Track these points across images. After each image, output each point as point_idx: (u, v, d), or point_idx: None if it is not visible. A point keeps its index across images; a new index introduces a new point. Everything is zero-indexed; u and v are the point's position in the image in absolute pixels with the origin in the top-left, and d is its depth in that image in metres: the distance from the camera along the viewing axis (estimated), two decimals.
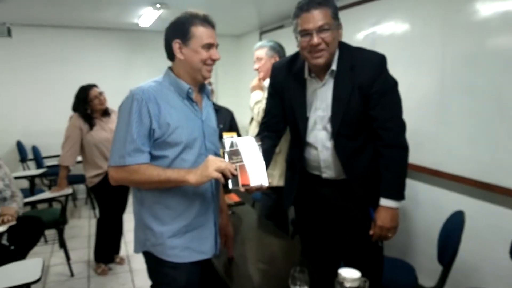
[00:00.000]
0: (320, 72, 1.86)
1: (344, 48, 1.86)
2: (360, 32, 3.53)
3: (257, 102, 2.89)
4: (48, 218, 3.48)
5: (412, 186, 3.08)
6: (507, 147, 2.34)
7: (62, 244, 3.59)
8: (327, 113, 1.86)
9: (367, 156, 1.90)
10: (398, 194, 1.83)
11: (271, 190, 2.91)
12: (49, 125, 5.42)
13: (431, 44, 2.80)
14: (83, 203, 5.80)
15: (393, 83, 1.84)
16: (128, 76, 5.86)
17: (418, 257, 3.01)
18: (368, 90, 1.78)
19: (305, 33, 1.74)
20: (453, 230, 2.11)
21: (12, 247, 2.79)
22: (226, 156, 1.68)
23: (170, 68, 1.69)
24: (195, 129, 1.66)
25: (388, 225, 1.82)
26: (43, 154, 5.39)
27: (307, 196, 2.07)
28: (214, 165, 1.51)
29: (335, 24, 1.75)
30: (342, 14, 3.64)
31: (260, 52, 2.92)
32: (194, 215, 1.67)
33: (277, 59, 2.87)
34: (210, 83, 3.31)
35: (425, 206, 2.99)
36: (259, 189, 1.69)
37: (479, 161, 2.50)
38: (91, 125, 3.46)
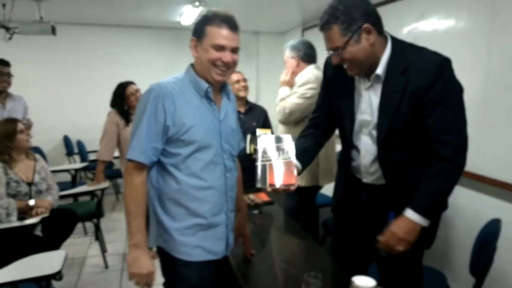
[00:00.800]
0: (366, 73, 1.68)
1: (398, 48, 1.62)
2: (401, 28, 3.35)
3: (281, 99, 2.84)
4: (85, 211, 3.59)
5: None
6: None
7: (98, 237, 3.68)
8: (372, 118, 1.68)
9: (417, 171, 1.66)
10: (428, 211, 1.57)
11: (294, 190, 2.84)
12: (94, 120, 5.56)
13: (477, 40, 2.60)
14: None
15: (456, 90, 1.57)
16: (171, 73, 5.87)
17: (456, 266, 2.81)
18: (423, 96, 1.54)
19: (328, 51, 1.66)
20: (487, 239, 1.94)
21: (46, 239, 2.89)
22: (258, 153, 1.68)
23: (192, 65, 1.68)
24: (212, 128, 1.64)
25: (401, 235, 1.56)
26: (88, 149, 5.57)
27: (347, 198, 1.95)
28: (137, 273, 1.53)
29: (349, 39, 1.54)
30: (382, 10, 3.53)
31: (285, 55, 2.97)
32: (207, 215, 1.64)
33: (296, 58, 2.88)
34: (244, 80, 3.30)
35: (465, 212, 2.79)
36: (287, 190, 1.68)
37: None
38: (128, 121, 3.53)
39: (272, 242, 2.23)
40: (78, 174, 5.46)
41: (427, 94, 1.53)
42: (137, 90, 3.60)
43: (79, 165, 5.01)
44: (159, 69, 5.92)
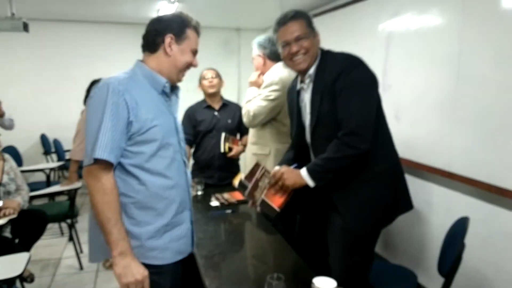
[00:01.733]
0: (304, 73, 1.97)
1: (325, 55, 1.94)
2: (376, 26, 3.35)
3: (248, 101, 2.77)
4: (58, 212, 3.53)
5: (426, 187, 2.90)
6: None
7: (71, 238, 3.62)
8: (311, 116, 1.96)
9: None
10: (314, 173, 1.83)
11: None
12: (71, 119, 5.43)
13: (448, 37, 2.60)
14: None
15: (358, 83, 1.77)
16: None
17: (428, 264, 2.82)
18: (332, 88, 1.80)
19: (285, 43, 1.91)
20: (454, 239, 1.94)
21: (16, 240, 2.83)
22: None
23: (142, 61, 1.63)
24: (170, 125, 1.62)
25: (286, 178, 1.88)
26: (65, 147, 5.49)
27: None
28: (133, 281, 1.44)
29: (310, 32, 1.90)
30: (356, 8, 3.54)
31: (253, 52, 2.88)
32: (173, 214, 1.59)
33: (263, 56, 2.82)
34: (214, 76, 3.24)
35: (438, 210, 2.80)
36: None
37: (493, 164, 2.29)
38: None
39: (241, 241, 2.20)
40: (55, 174, 5.40)
41: (334, 87, 1.79)
42: None
43: (53, 164, 4.93)
44: None
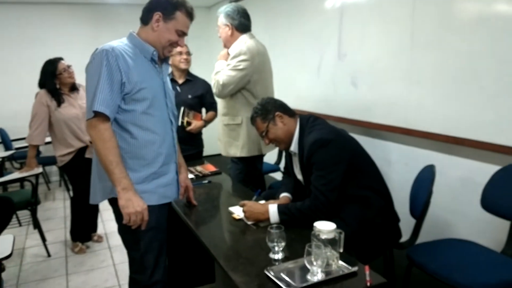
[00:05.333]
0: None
1: (302, 128, 2.16)
2: None
3: (216, 73, 2.83)
4: (19, 199, 3.39)
5: (385, 146, 3.12)
6: (475, 100, 2.37)
7: (36, 225, 3.51)
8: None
9: None
10: (284, 216, 1.94)
11: (237, 159, 2.95)
12: (16, 107, 5.25)
13: (401, 2, 2.79)
14: (57, 185, 5.69)
15: (325, 163, 1.99)
16: None
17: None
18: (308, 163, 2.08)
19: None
20: (423, 183, 2.15)
21: None
22: None
23: (134, 33, 1.84)
24: (158, 88, 1.85)
25: (255, 212, 1.98)
26: (12, 137, 5.22)
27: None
28: (133, 212, 1.66)
29: (268, 124, 2.15)
30: None
31: (219, 20, 2.88)
32: (160, 165, 1.83)
33: (231, 27, 2.83)
34: (188, 53, 3.27)
35: (398, 166, 3.03)
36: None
37: (448, 116, 2.53)
38: (59, 102, 3.35)
39: (229, 205, 2.26)
40: (5, 164, 5.13)
41: (309, 162, 2.04)
42: (69, 66, 3.41)
43: (4, 153, 4.67)
44: (82, 47, 5.58)
